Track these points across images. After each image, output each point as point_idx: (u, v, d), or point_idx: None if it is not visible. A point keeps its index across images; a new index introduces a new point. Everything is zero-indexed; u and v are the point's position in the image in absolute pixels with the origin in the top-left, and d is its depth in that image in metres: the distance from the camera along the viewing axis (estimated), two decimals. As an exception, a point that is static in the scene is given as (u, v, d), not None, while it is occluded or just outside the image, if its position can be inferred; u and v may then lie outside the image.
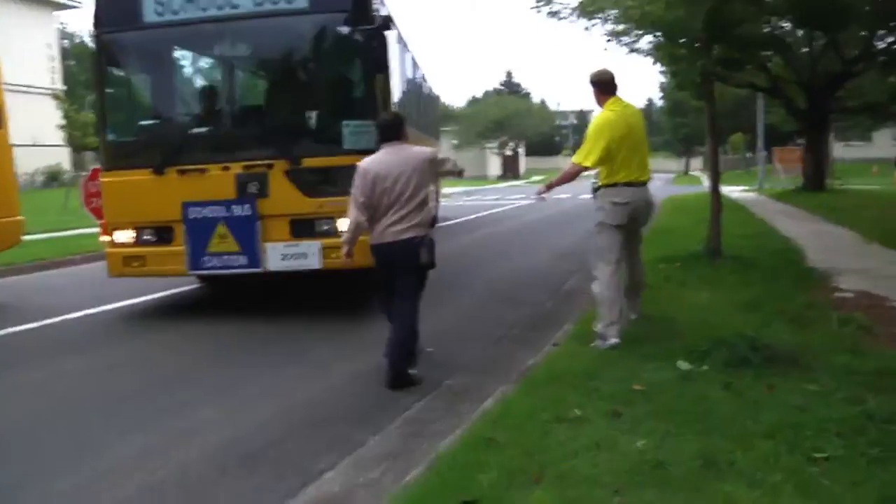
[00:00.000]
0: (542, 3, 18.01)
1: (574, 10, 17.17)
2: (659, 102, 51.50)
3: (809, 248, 9.03)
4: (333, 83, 6.10)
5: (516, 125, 53.71)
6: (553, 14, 17.80)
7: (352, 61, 5.92)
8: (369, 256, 5.61)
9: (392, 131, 4.54)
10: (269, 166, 5.94)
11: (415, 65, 10.97)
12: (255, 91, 6.57)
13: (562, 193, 25.85)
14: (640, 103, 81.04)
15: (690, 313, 5.31)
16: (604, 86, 4.93)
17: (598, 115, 4.90)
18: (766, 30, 9.29)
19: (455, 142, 53.82)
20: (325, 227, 5.97)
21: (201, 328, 6.00)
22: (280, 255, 5.98)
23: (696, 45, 7.41)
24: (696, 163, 63.88)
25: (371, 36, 5.72)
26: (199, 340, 5.63)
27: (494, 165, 56.72)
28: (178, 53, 6.23)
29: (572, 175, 4.87)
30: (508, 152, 57.72)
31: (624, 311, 4.83)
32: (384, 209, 4.37)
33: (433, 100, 15.38)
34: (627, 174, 4.81)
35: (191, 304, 7.19)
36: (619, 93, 4.92)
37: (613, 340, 4.66)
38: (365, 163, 4.46)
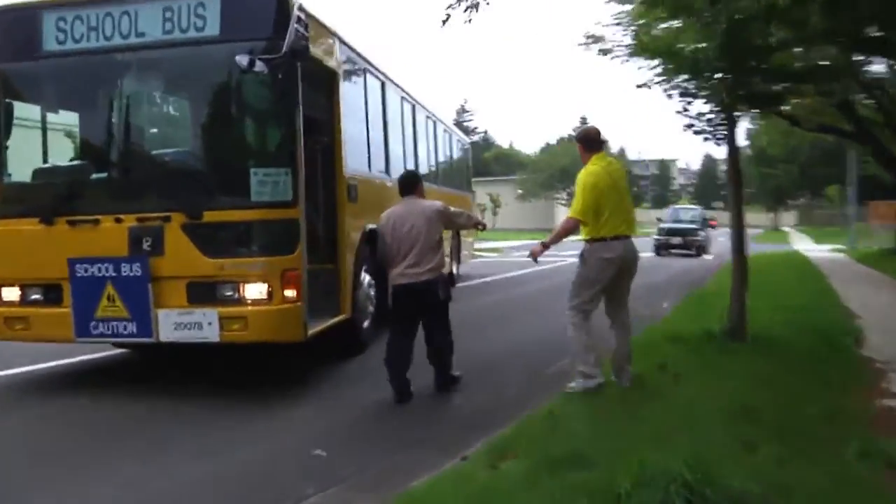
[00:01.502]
0: (590, 41, 17.30)
1: (626, 48, 16.35)
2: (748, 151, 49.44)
3: (874, 329, 7.70)
4: (243, 124, 5.52)
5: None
6: (604, 52, 17.04)
7: (265, 98, 5.31)
8: (272, 330, 5.35)
9: (408, 187, 5.69)
10: (166, 219, 5.35)
11: (413, 111, 10.36)
12: (157, 132, 6.07)
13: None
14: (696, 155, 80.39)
15: (659, 422, 4.27)
16: (588, 142, 5.36)
17: (583, 170, 5.24)
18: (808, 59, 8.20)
19: (520, 191, 53.21)
20: (227, 294, 5.33)
21: (87, 404, 5.42)
22: (173, 323, 5.33)
23: (719, 76, 6.46)
24: (789, 217, 60.87)
25: (281, 67, 5.08)
26: (73, 421, 5.05)
27: (563, 217, 55.84)
28: (76, 87, 5.79)
29: (569, 231, 5.28)
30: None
31: (599, 354, 5.28)
32: (402, 254, 5.35)
33: (458, 151, 14.85)
34: (615, 228, 5.17)
35: (95, 372, 6.62)
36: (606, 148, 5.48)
37: (592, 382, 5.15)
38: (385, 214, 5.59)
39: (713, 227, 26.47)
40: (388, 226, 5.47)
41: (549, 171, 52.77)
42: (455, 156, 14.54)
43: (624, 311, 5.43)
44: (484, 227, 6.40)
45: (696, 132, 6.70)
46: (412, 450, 4.42)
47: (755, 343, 6.51)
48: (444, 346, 5.56)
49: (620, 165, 5.43)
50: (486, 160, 72.01)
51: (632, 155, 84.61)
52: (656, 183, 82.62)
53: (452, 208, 5.91)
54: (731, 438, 3.90)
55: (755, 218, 65.31)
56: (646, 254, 25.58)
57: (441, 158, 12.80)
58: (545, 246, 5.31)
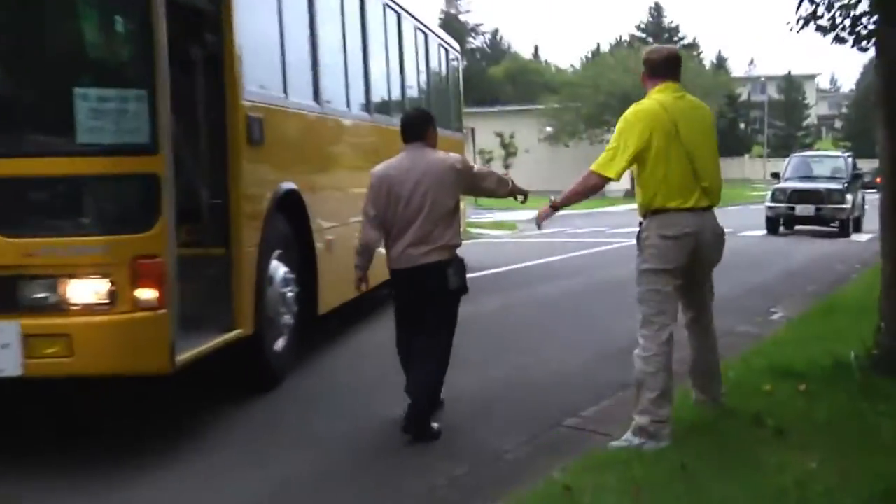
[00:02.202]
0: None
1: None
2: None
3: None
4: (65, 14, 5.56)
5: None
6: None
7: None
8: (115, 356, 5.56)
9: (414, 130, 6.33)
10: None
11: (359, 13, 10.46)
12: None
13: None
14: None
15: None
16: (654, 66, 5.88)
17: (634, 105, 5.81)
18: None
19: (549, 129, 53.22)
20: (38, 296, 5.44)
21: None
22: (-62, 349, 5.40)
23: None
24: None
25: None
26: None
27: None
28: None
29: (588, 189, 5.88)
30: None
31: (672, 398, 5.69)
32: (402, 227, 6.06)
33: (441, 64, 15.12)
34: (680, 194, 5.61)
35: None
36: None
37: (653, 443, 5.43)
38: (378, 169, 6.26)
39: (875, 186, 25.98)
40: (380, 187, 6.13)
41: (599, 98, 52.74)
42: (435, 72, 14.58)
43: (705, 315, 6.02)
44: (525, 198, 6.80)
45: (822, 29, 6.71)
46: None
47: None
48: (439, 364, 6.25)
49: (698, 104, 5.96)
50: (492, 78, 72.13)
51: (737, 69, 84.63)
52: (780, 114, 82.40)
53: (476, 166, 6.54)
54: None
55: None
56: (754, 232, 25.84)
57: (411, 77, 12.88)
58: (554, 207, 5.96)
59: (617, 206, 42.31)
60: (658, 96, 5.73)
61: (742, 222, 25.17)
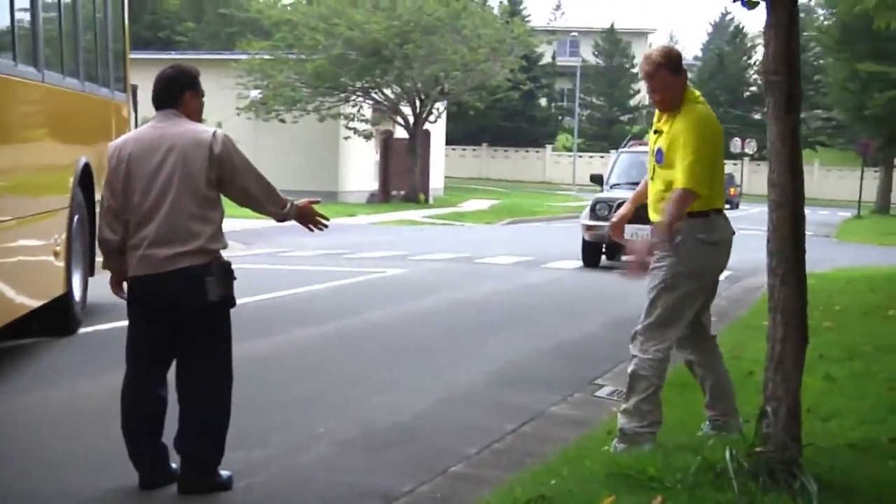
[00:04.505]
0: None
1: None
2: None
3: None
4: None
5: (422, 54, 53.91)
6: None
7: None
8: None
9: (165, 93, 7.21)
10: None
11: None
12: None
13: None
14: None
15: None
16: (679, 65, 7.97)
17: (696, 111, 7.94)
18: None
19: (255, 93, 52.98)
20: None
21: None
22: None
23: None
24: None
25: None
26: None
27: (364, 166, 56.44)
28: None
29: (686, 208, 7.86)
30: (398, 130, 57.61)
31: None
32: (142, 218, 6.91)
33: None
34: (721, 197, 8.42)
35: None
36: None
37: (648, 445, 7.78)
38: (116, 141, 7.27)
39: (731, 198, 26.39)
40: (118, 165, 7.04)
41: (335, 48, 52.91)
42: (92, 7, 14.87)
43: (712, 336, 8.65)
44: (319, 224, 7.54)
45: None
46: None
47: (822, 490, 6.66)
48: (214, 407, 7.13)
49: None
50: (166, 7, 71.37)
51: (538, 17, 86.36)
52: (599, 87, 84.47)
53: (245, 158, 7.29)
54: None
55: (836, 186, 68.93)
56: (563, 263, 26.13)
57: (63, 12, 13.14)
58: (671, 227, 7.70)
59: (359, 218, 42.88)
60: (704, 102, 8.17)
61: (546, 248, 25.73)
